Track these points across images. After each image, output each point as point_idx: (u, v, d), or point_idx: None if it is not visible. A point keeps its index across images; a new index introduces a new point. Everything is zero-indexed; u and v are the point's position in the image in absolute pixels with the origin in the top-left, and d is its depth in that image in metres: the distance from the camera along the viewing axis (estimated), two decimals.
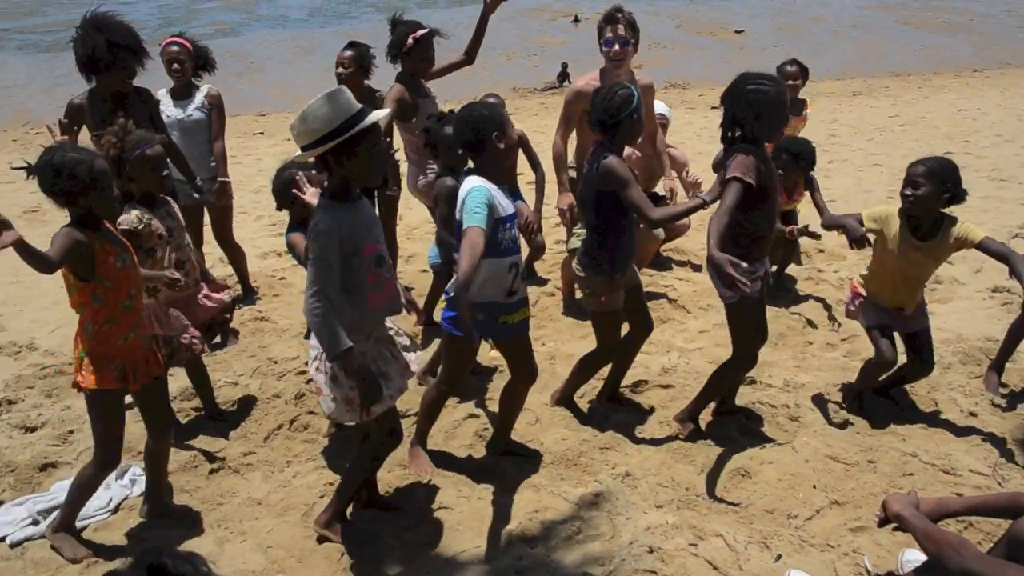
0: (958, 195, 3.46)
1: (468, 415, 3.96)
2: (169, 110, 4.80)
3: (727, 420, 3.84)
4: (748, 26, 17.94)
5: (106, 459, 3.02)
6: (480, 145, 3.08)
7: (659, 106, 5.17)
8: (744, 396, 4.00)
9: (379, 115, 2.67)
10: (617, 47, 4.33)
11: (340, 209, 2.69)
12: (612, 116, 3.31)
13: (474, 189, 3.00)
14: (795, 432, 3.75)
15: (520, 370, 3.40)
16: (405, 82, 4.53)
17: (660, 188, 4.63)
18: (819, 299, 5.14)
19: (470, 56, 4.80)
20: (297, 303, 5.28)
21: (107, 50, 3.89)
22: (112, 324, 2.89)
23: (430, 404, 3.50)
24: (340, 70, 4.75)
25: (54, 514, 3.24)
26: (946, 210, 3.53)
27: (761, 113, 3.18)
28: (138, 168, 3.34)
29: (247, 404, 4.15)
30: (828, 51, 14.99)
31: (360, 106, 2.65)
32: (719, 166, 3.42)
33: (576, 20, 21.20)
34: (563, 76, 14.25)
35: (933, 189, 3.44)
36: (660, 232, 5.06)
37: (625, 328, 3.80)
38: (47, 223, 7.36)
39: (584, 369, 3.86)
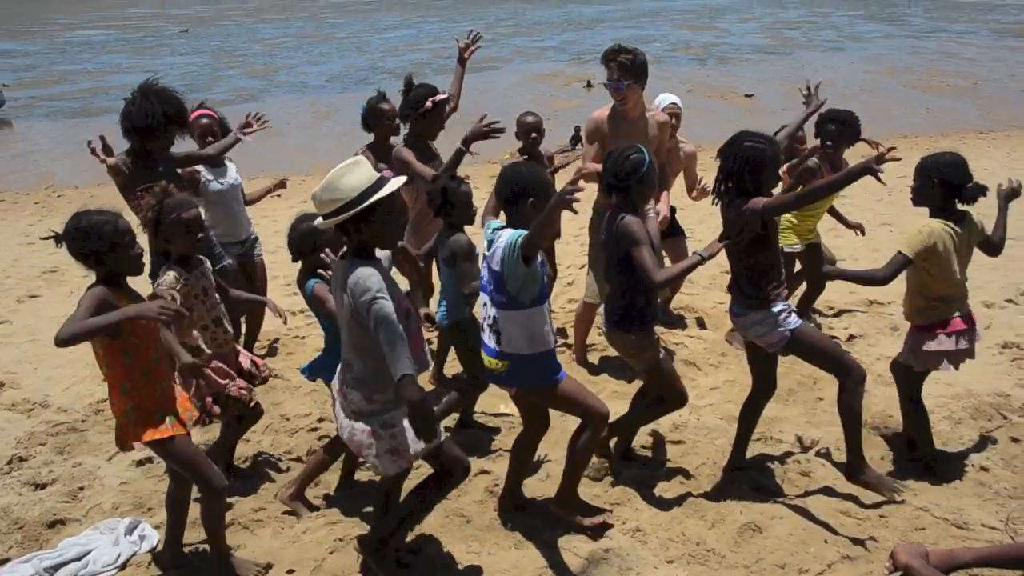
0: (952, 187, 3.50)
1: (479, 471, 3.94)
2: (214, 182, 4.93)
3: (737, 476, 3.81)
4: (757, 90, 18.28)
5: (214, 486, 3.05)
6: (516, 204, 3.18)
7: (670, 96, 5.20)
8: (754, 451, 3.98)
9: (396, 184, 2.77)
10: (613, 90, 4.51)
11: (369, 263, 2.76)
12: (621, 180, 3.40)
13: (516, 232, 3.07)
14: (806, 487, 3.71)
15: (543, 420, 3.47)
16: (412, 145, 4.63)
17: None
18: None
19: (456, 101, 4.95)
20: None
21: (163, 121, 4.08)
22: (148, 376, 2.97)
23: (583, 453, 3.39)
24: (397, 122, 4.87)
25: (61, 571, 3.26)
26: (968, 208, 3.59)
27: (756, 169, 3.29)
28: (174, 230, 3.41)
29: (258, 460, 4.16)
30: None
31: (378, 175, 2.76)
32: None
33: (589, 85, 21.64)
34: (576, 139, 14.45)
35: (919, 183, 3.56)
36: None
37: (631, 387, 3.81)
38: (65, 283, 7.50)
39: (647, 416, 3.85)
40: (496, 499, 3.66)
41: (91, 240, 2.83)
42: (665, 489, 3.76)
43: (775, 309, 3.43)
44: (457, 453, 3.05)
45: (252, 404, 3.68)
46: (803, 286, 5.28)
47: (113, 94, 24.97)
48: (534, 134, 4.98)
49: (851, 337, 5.38)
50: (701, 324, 5.75)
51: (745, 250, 3.42)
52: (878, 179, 3.09)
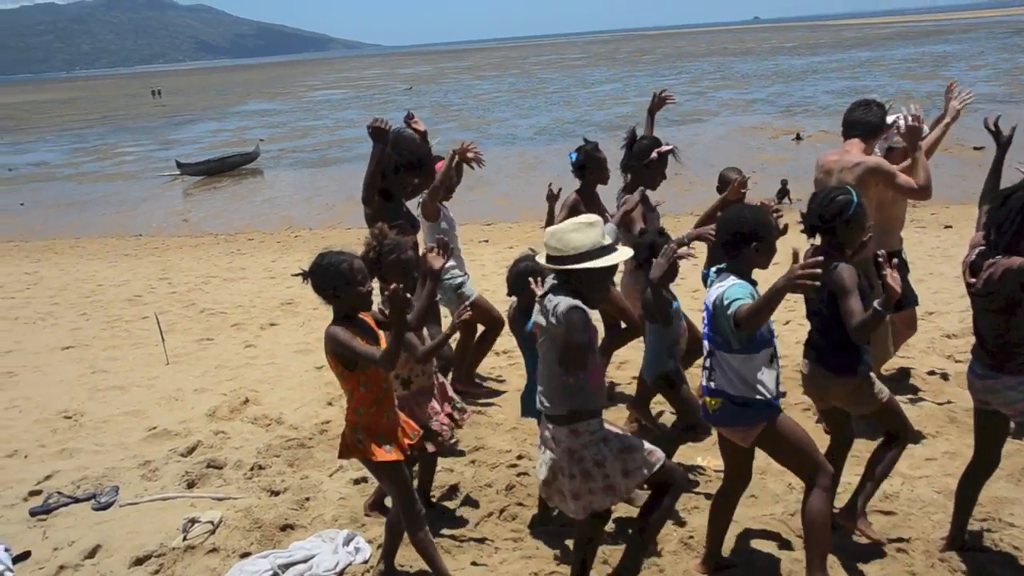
0: None
1: (675, 522, 3.91)
2: (444, 219, 5.31)
3: (957, 556, 3.52)
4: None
5: (413, 516, 3.31)
6: (737, 248, 3.15)
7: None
8: (981, 534, 3.66)
9: (623, 256, 2.93)
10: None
11: None
12: (826, 222, 3.32)
13: (735, 286, 3.05)
14: None
15: (744, 475, 3.42)
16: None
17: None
18: None
19: None
20: (512, 399, 5.56)
21: (394, 168, 4.58)
22: (378, 405, 3.27)
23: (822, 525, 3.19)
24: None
25: (290, 570, 3.64)
26: None
27: None
28: (392, 270, 3.69)
29: (461, 490, 4.40)
30: None
31: (609, 242, 2.91)
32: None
33: (798, 138, 20.98)
34: (783, 193, 14.04)
35: None
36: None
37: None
38: (299, 314, 8.36)
39: (885, 465, 3.57)
40: (698, 561, 3.57)
41: (330, 277, 3.18)
42: (870, 562, 3.54)
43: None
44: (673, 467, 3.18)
45: (453, 442, 3.89)
46: None
47: (346, 146, 27.59)
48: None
49: None
50: (920, 388, 5.38)
51: (1002, 311, 3.14)
52: None
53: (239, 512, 4.21)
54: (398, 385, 3.76)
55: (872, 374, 3.42)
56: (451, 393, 4.06)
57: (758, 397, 3.11)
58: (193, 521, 4.09)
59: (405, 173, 4.62)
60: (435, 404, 3.86)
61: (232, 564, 3.76)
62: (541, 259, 3.05)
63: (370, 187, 4.58)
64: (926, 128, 4.93)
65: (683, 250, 3.63)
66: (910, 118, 4.40)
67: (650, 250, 3.95)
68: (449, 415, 3.92)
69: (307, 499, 4.37)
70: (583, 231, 2.90)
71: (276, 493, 4.46)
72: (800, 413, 5.01)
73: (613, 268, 2.98)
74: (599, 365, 3.09)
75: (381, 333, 3.38)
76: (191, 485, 4.61)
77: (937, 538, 3.64)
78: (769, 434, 3.16)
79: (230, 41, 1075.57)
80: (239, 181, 22.94)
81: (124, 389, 6.37)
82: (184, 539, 3.98)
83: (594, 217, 2.99)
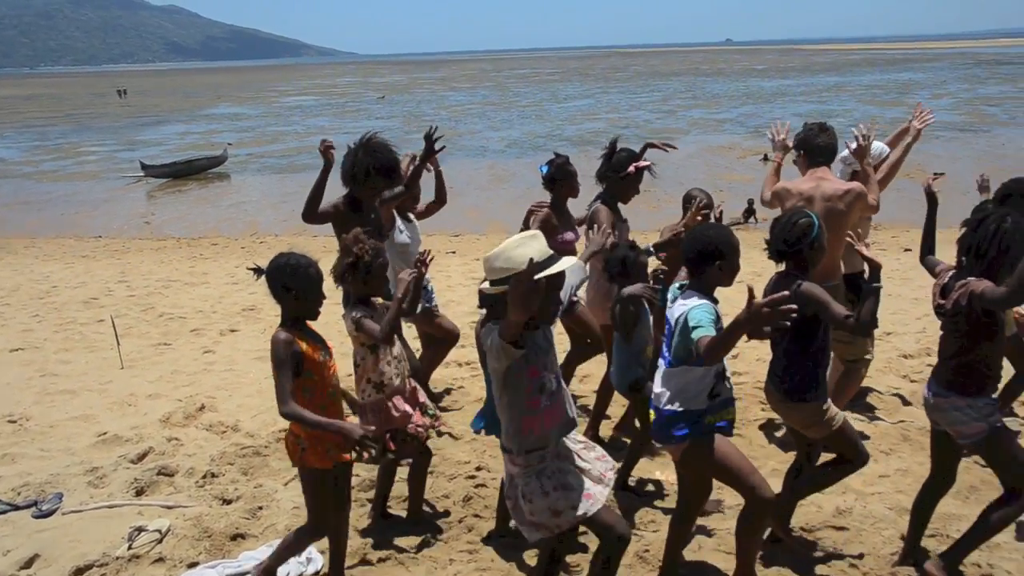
0: None
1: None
2: (403, 234, 5.25)
3: (912, 570, 3.55)
4: (949, 169, 17.21)
5: (317, 528, 3.31)
6: (701, 267, 3.15)
7: (874, 147, 4.90)
8: (929, 549, 3.69)
9: (565, 264, 2.81)
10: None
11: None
12: (791, 246, 3.34)
13: (699, 307, 3.01)
14: None
15: (701, 488, 3.35)
16: (609, 205, 4.79)
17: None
18: None
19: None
20: (471, 410, 5.53)
21: (365, 172, 4.53)
22: (324, 411, 3.18)
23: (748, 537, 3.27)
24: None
25: None
26: None
27: (1011, 247, 3.08)
28: (378, 273, 3.63)
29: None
30: None
31: (550, 253, 2.81)
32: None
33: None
34: (748, 212, 14.26)
35: None
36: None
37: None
38: (260, 320, 8.24)
39: (823, 482, 3.63)
40: None
41: (300, 278, 3.12)
42: None
43: (981, 401, 3.21)
44: (610, 519, 2.97)
45: (426, 439, 3.86)
46: None
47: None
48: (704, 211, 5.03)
49: None
50: (875, 408, 5.45)
51: (966, 336, 3.19)
52: None
53: (188, 521, 4.11)
54: (372, 390, 3.70)
55: (828, 401, 3.43)
56: (422, 399, 4.01)
57: (687, 410, 3.11)
58: (139, 530, 3.98)
59: (376, 177, 4.56)
60: (407, 407, 3.80)
61: (179, 574, 3.67)
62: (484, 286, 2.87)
63: (312, 203, 4.51)
64: (881, 144, 5.03)
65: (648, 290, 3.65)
66: (860, 138, 4.50)
67: (622, 264, 3.94)
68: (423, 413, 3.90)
69: (260, 508, 4.29)
70: (528, 244, 2.76)
71: (228, 502, 4.37)
72: (755, 429, 5.05)
73: (561, 277, 2.88)
74: (554, 406, 2.91)
75: (327, 340, 3.34)
76: (140, 493, 4.49)
77: (887, 553, 3.68)
78: (693, 452, 3.15)
79: (201, 43, 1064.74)
80: (205, 185, 22.65)
81: (75, 393, 6.22)
82: (129, 548, 3.87)
83: (534, 231, 2.91)
